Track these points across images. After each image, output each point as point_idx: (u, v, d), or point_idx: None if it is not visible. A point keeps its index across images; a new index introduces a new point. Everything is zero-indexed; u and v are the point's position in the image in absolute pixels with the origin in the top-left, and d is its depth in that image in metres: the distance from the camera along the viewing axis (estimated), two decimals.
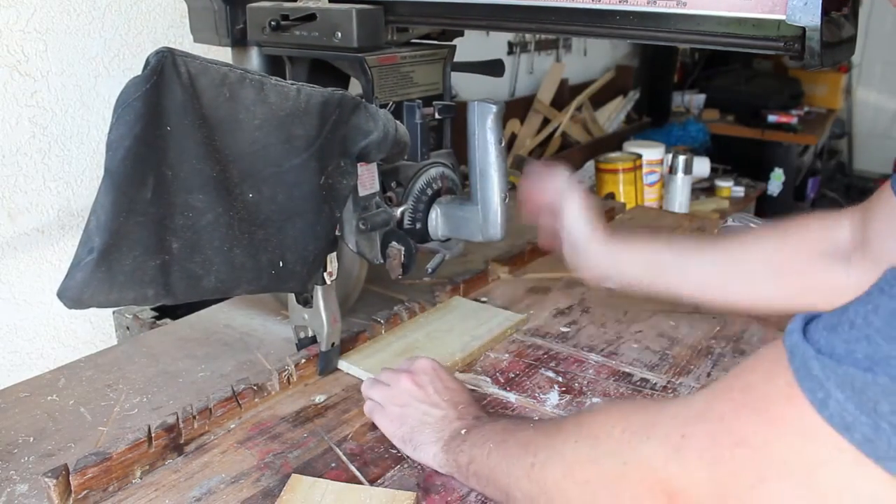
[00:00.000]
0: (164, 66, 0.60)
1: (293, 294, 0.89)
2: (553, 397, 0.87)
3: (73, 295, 0.59)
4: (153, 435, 0.73)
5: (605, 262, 0.89)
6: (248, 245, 0.69)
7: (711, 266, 0.84)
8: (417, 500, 0.69)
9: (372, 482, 0.72)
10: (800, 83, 3.18)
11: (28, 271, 1.03)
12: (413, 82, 0.94)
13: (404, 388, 0.77)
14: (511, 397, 0.87)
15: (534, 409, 0.85)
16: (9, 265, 1.01)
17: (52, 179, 1.04)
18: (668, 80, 2.96)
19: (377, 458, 0.75)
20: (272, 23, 0.88)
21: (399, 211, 0.90)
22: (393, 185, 0.91)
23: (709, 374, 0.92)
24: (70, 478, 0.67)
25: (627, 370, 0.93)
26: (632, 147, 2.24)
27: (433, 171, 0.94)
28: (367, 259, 0.89)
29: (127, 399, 0.86)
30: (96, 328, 1.13)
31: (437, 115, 0.94)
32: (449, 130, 0.99)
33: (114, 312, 1.12)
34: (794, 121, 2.94)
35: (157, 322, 1.09)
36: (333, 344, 0.89)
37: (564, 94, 2.47)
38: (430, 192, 0.93)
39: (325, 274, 0.84)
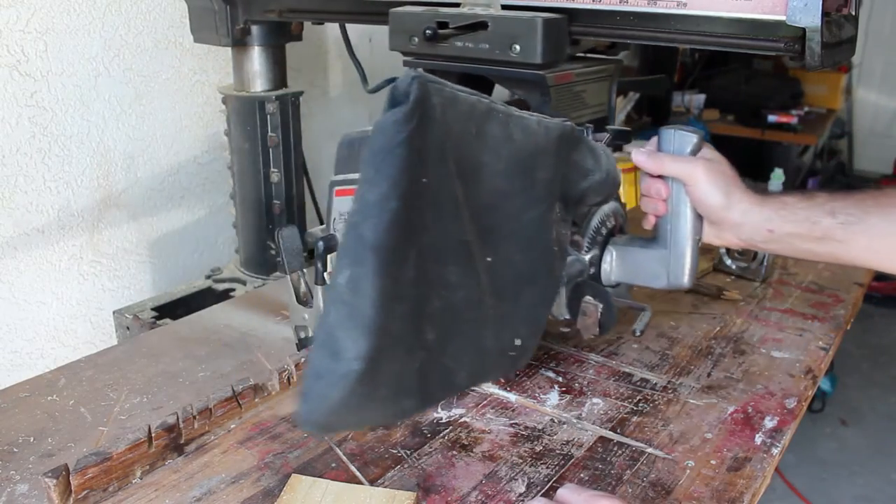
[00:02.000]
0: (424, 98, 0.46)
1: (293, 294, 0.89)
2: (553, 397, 0.87)
3: (323, 419, 0.45)
4: (153, 435, 0.73)
5: (752, 223, 0.76)
6: (493, 324, 0.56)
7: (882, 232, 0.72)
8: (417, 500, 0.69)
9: (372, 482, 0.72)
10: (800, 83, 3.18)
11: (28, 271, 1.03)
12: (584, 103, 0.82)
13: None
14: (511, 397, 0.87)
15: (534, 408, 0.85)
16: (9, 265, 1.01)
17: (52, 179, 1.04)
18: (668, 81, 2.96)
19: (377, 458, 0.75)
20: (427, 31, 0.74)
21: (588, 258, 0.76)
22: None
23: (709, 374, 0.92)
24: (70, 478, 0.67)
25: (627, 370, 0.93)
26: (632, 147, 2.24)
27: (606, 208, 0.80)
28: (553, 315, 0.77)
29: (127, 399, 0.86)
30: (96, 328, 1.13)
31: (610, 143, 0.81)
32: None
33: (114, 312, 1.12)
34: (794, 121, 2.94)
35: (157, 322, 1.09)
36: None
37: None
38: (604, 231, 0.80)
39: (325, 274, 0.84)
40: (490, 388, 0.88)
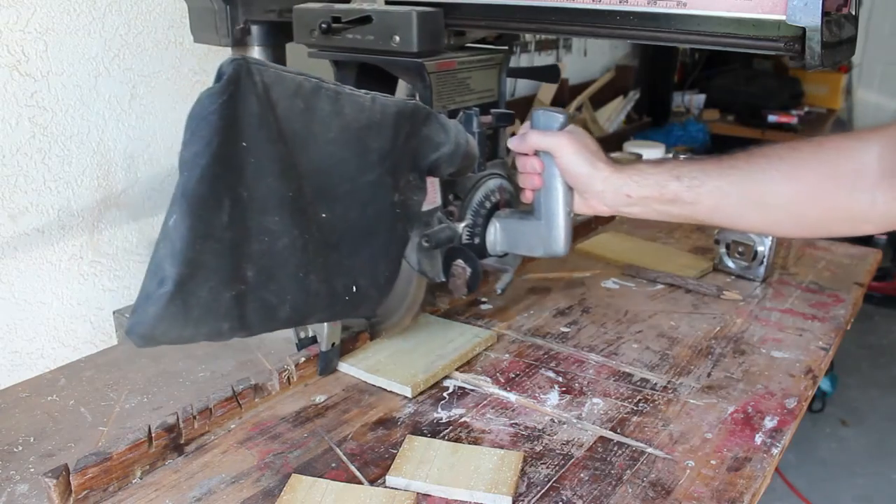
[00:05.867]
0: (240, 75, 0.55)
1: None
2: (553, 397, 0.87)
3: (145, 331, 0.53)
4: (153, 435, 0.73)
5: (612, 190, 0.81)
6: (322, 270, 0.64)
7: (726, 192, 0.78)
8: (417, 500, 0.69)
9: (372, 482, 0.72)
10: (800, 83, 3.18)
11: (28, 271, 1.03)
12: (470, 89, 0.89)
13: None
14: (511, 397, 0.87)
15: (534, 408, 0.85)
16: (9, 265, 1.01)
17: (52, 179, 1.04)
18: (668, 80, 2.96)
19: (377, 458, 0.75)
20: (323, 25, 0.82)
21: (461, 226, 0.85)
22: (451, 198, 0.85)
23: (709, 375, 0.92)
24: (70, 478, 0.67)
25: (627, 370, 0.93)
26: (632, 147, 2.24)
27: (491, 183, 0.88)
28: (428, 278, 0.84)
29: (127, 399, 0.86)
30: (96, 328, 1.13)
31: (495, 124, 0.89)
32: (503, 139, 0.94)
33: (114, 312, 1.12)
34: (794, 121, 2.94)
35: None
36: (333, 344, 0.89)
37: (564, 95, 2.46)
38: (488, 205, 0.87)
39: None
40: (490, 389, 0.88)
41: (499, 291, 0.93)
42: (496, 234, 0.88)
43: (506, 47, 0.95)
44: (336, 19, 0.82)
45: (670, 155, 2.18)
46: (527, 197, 0.87)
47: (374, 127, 0.66)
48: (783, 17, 0.67)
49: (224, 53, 0.93)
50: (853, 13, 0.73)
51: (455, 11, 0.84)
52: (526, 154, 0.84)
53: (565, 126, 0.83)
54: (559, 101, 2.43)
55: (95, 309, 1.12)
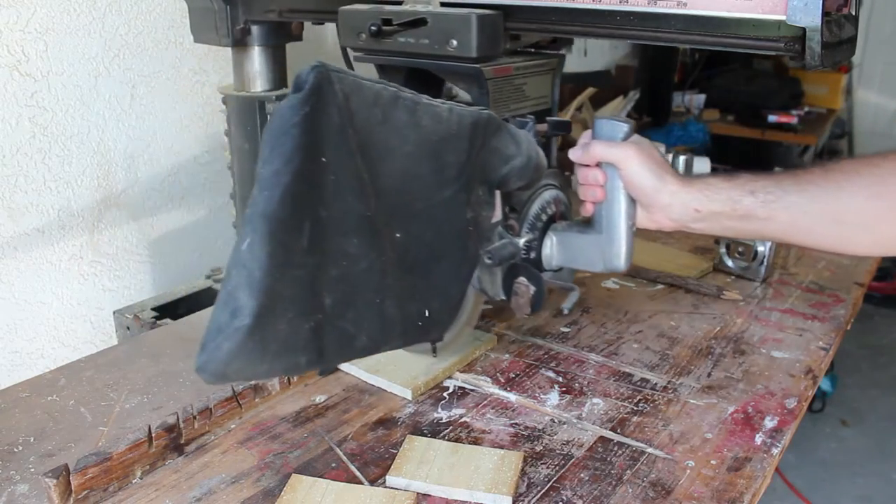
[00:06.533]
0: (321, 84, 0.51)
1: None
2: (553, 397, 0.87)
3: (218, 368, 0.50)
4: (153, 435, 0.73)
5: (680, 204, 0.78)
6: (397, 294, 0.60)
7: (803, 208, 0.75)
8: (417, 500, 0.69)
9: (372, 482, 0.72)
10: (800, 83, 3.18)
11: (28, 271, 1.03)
12: (525, 95, 0.86)
13: None
14: (511, 397, 0.87)
15: (534, 408, 0.85)
16: (9, 265, 1.01)
17: (52, 179, 1.04)
18: (668, 80, 2.96)
19: (377, 458, 0.75)
20: (372, 28, 0.78)
21: (522, 241, 0.80)
22: (507, 210, 0.81)
23: (709, 375, 0.92)
24: (70, 478, 0.67)
25: (627, 370, 0.93)
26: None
27: (547, 195, 0.84)
28: (488, 296, 0.80)
29: (127, 399, 0.86)
30: (96, 328, 1.13)
31: (549, 133, 0.86)
32: (555, 148, 0.91)
33: (114, 312, 1.12)
34: (794, 121, 2.94)
35: (158, 322, 1.09)
36: None
37: (564, 95, 2.46)
38: (544, 217, 0.84)
39: None
40: (490, 389, 0.88)
41: (565, 311, 0.88)
42: (552, 248, 0.84)
43: (562, 52, 0.91)
44: (387, 21, 0.78)
45: (670, 156, 2.18)
46: (587, 210, 0.83)
47: (451, 139, 0.62)
48: (783, 17, 0.67)
49: (224, 53, 0.93)
50: (853, 13, 0.73)
51: (514, 14, 0.79)
52: (588, 165, 0.81)
53: (630, 136, 0.80)
54: (559, 102, 2.43)
55: (95, 309, 1.12)
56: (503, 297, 0.80)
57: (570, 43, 0.93)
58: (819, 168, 0.77)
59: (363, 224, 0.56)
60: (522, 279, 0.78)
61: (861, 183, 0.74)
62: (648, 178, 0.78)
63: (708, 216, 0.78)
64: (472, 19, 0.75)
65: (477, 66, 0.78)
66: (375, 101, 0.56)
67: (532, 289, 0.78)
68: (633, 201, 0.80)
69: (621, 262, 0.81)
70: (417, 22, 0.77)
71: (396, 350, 0.93)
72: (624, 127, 0.79)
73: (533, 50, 0.91)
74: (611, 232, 0.81)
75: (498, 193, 0.76)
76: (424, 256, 0.63)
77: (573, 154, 0.82)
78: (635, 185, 0.79)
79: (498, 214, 0.77)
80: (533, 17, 0.79)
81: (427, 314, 0.64)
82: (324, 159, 0.52)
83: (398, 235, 0.60)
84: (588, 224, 0.83)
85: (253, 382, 0.83)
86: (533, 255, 0.83)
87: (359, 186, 0.55)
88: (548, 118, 0.87)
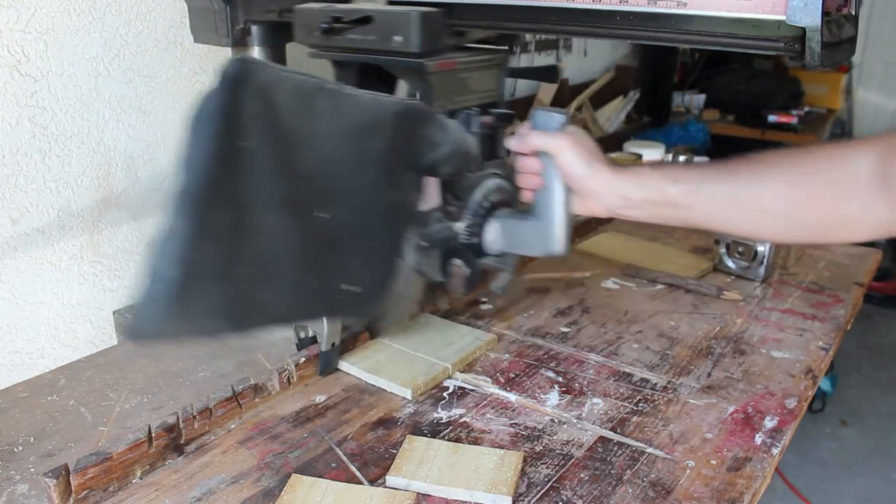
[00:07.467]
0: (241, 76, 0.56)
1: None
2: (553, 397, 0.87)
3: (147, 330, 0.55)
4: (153, 435, 0.73)
5: (610, 191, 0.82)
6: (319, 269, 0.65)
7: (723, 197, 0.79)
8: (417, 500, 0.69)
9: (372, 482, 0.72)
10: (800, 83, 3.18)
11: (28, 271, 1.03)
12: (470, 89, 0.90)
13: None
14: (511, 397, 0.87)
15: (534, 408, 0.85)
16: (9, 265, 1.01)
17: (52, 179, 1.04)
18: (668, 80, 2.96)
19: (377, 458, 0.75)
20: (324, 25, 0.83)
21: (460, 226, 0.85)
22: (450, 198, 0.85)
23: (709, 375, 0.92)
24: (70, 478, 0.67)
25: (627, 370, 0.93)
26: (632, 147, 2.24)
27: (490, 183, 0.88)
28: (426, 277, 0.84)
29: (127, 399, 0.86)
30: (96, 328, 1.13)
31: (494, 124, 0.89)
32: (502, 139, 0.93)
33: (114, 312, 1.12)
34: (794, 121, 2.94)
35: None
36: (333, 344, 0.89)
37: (564, 95, 2.46)
38: (487, 204, 0.88)
39: None
40: (490, 389, 0.88)
41: (497, 291, 0.94)
42: (495, 234, 0.88)
43: (506, 47, 0.95)
44: (337, 19, 0.83)
45: (669, 157, 2.18)
46: (526, 197, 0.88)
47: (374, 127, 0.66)
48: (783, 17, 0.67)
49: (224, 53, 0.93)
50: (853, 13, 0.73)
51: (456, 12, 0.84)
52: (525, 154, 0.85)
53: (565, 127, 0.83)
54: (559, 102, 2.43)
55: (95, 309, 1.12)
56: (441, 278, 0.85)
57: (516, 39, 0.97)
58: (742, 159, 0.80)
59: (284, 203, 0.60)
60: (458, 261, 0.83)
61: (779, 172, 0.78)
62: (580, 167, 0.81)
63: (636, 203, 0.82)
64: (413, 16, 0.79)
65: (419, 60, 0.81)
66: (298, 92, 0.60)
67: (466, 270, 0.83)
68: (568, 189, 0.84)
69: (558, 246, 0.85)
70: (364, 19, 0.81)
71: (396, 350, 0.94)
72: (559, 118, 0.83)
73: (478, 46, 0.95)
74: (548, 218, 0.84)
75: (436, 180, 0.80)
76: (348, 235, 0.67)
77: (511, 143, 0.86)
78: (568, 173, 0.82)
79: (435, 200, 0.81)
80: (476, 14, 0.84)
81: (351, 289, 0.68)
82: (244, 144, 0.56)
83: (321, 215, 0.64)
84: (528, 211, 0.87)
85: (253, 382, 0.83)
86: (476, 240, 0.87)
87: (280, 169, 0.59)
88: (492, 110, 0.90)
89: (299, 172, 0.62)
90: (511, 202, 0.92)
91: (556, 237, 0.85)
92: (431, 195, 0.81)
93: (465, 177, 0.86)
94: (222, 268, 0.56)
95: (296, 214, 0.62)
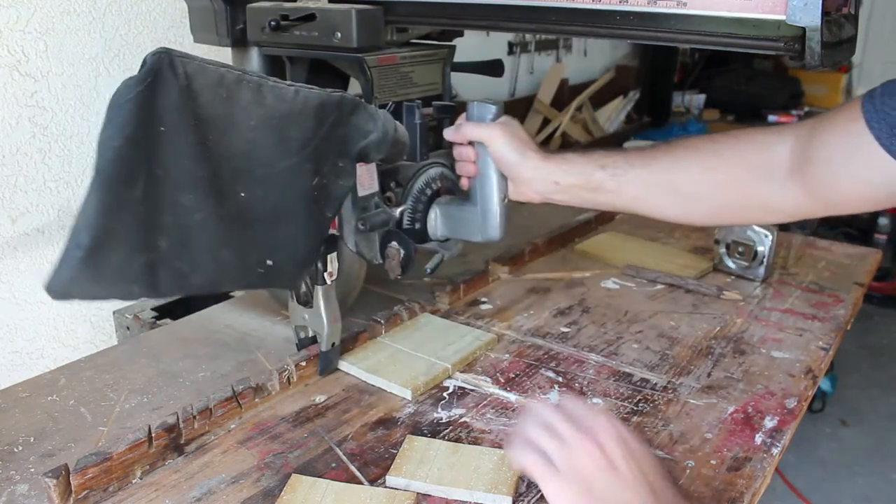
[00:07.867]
0: (160, 66, 0.61)
1: (293, 294, 0.89)
2: (553, 397, 0.87)
3: (59, 288, 0.59)
4: (153, 435, 0.73)
5: (541, 177, 0.86)
6: (236, 244, 0.69)
7: (645, 181, 0.83)
8: (417, 500, 0.69)
9: (372, 482, 0.72)
10: (800, 83, 3.18)
11: (28, 271, 1.03)
12: (413, 82, 0.94)
13: (588, 453, 0.57)
14: (511, 397, 0.87)
15: None
16: (9, 265, 1.01)
17: (52, 179, 1.04)
18: (668, 80, 2.96)
19: (377, 458, 0.75)
20: (272, 23, 0.87)
21: (398, 211, 0.90)
22: (392, 185, 0.90)
23: (709, 375, 0.92)
24: (70, 478, 0.67)
25: (627, 370, 0.93)
26: (632, 147, 2.24)
27: (432, 171, 0.93)
28: (365, 259, 0.89)
29: (127, 399, 0.86)
30: (96, 328, 1.13)
31: (435, 116, 0.94)
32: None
33: (114, 312, 1.12)
34: (794, 121, 2.94)
35: (158, 322, 1.09)
36: (334, 344, 0.89)
37: (564, 95, 2.47)
38: (429, 192, 0.93)
39: (325, 274, 0.84)
40: (490, 389, 0.88)
41: (428, 271, 0.97)
42: (436, 220, 0.92)
43: (450, 43, 0.99)
44: (284, 17, 0.87)
45: None
46: (464, 185, 0.92)
47: (294, 116, 0.70)
48: (783, 17, 0.67)
49: (224, 53, 0.94)
50: (853, 13, 0.73)
51: (395, 9, 0.88)
52: (461, 143, 0.89)
53: (499, 117, 0.88)
54: (559, 102, 2.43)
55: (95, 309, 1.12)
56: (380, 261, 0.88)
57: (459, 35, 1.02)
58: (666, 145, 0.84)
59: (199, 183, 0.64)
60: (394, 244, 0.87)
61: (698, 157, 0.81)
62: (512, 154, 0.85)
63: (566, 188, 0.86)
64: (352, 13, 0.83)
65: (359, 55, 0.86)
66: (220, 82, 0.64)
67: (402, 252, 0.87)
68: (503, 176, 0.88)
69: (495, 231, 0.89)
70: (308, 17, 0.86)
71: (396, 350, 0.94)
72: (493, 108, 0.87)
73: (423, 41, 0.99)
74: (484, 204, 0.89)
75: (374, 168, 0.84)
76: (267, 214, 0.71)
77: (447, 133, 0.91)
78: (501, 161, 0.86)
79: (374, 186, 0.85)
80: (414, 11, 0.88)
81: (270, 264, 0.73)
82: (162, 129, 0.61)
83: (242, 195, 0.69)
84: (466, 198, 0.91)
85: (253, 382, 0.83)
86: (418, 225, 0.92)
87: (198, 152, 0.64)
88: (433, 102, 0.95)
89: (220, 155, 0.66)
90: (454, 190, 0.97)
91: (493, 223, 0.89)
92: (370, 181, 0.85)
93: (406, 165, 0.91)
94: (137, 238, 0.61)
95: (214, 193, 0.66)
